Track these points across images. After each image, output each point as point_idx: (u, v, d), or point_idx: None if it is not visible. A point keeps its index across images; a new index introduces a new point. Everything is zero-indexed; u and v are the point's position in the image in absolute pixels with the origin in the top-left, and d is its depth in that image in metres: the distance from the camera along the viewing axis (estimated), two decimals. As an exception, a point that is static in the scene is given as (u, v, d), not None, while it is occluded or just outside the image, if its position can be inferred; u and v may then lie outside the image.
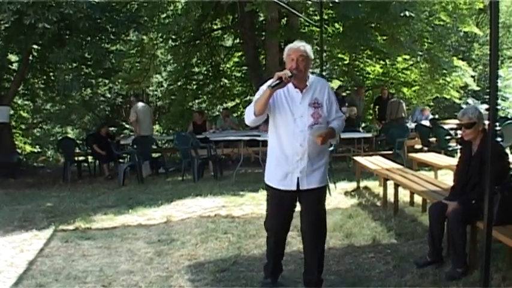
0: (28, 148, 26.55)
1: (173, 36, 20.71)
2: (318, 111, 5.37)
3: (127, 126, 26.63)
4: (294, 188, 5.41)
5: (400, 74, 22.99)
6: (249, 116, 5.38)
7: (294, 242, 7.06)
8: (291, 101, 5.36)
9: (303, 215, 5.59)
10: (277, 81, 5.09)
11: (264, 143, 10.92)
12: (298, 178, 5.38)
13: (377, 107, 19.77)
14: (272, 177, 5.54)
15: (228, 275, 6.23)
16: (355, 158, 12.21)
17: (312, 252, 5.59)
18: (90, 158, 17.28)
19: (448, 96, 22.24)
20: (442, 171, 11.40)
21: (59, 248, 7.76)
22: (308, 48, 5.35)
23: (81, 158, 17.08)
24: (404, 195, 9.63)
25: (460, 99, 23.06)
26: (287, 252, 6.18)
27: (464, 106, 7.71)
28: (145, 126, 15.90)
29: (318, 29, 17.32)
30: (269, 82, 5.20)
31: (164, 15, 19.65)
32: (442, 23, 18.51)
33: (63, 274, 6.53)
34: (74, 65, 15.21)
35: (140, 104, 16.34)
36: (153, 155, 16.19)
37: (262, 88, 5.34)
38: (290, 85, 5.31)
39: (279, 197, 5.51)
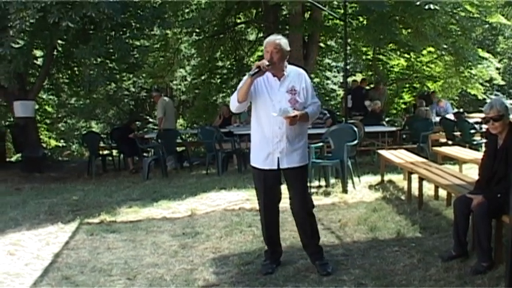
0: (53, 142, 26.80)
1: (197, 31, 20.72)
2: (295, 97, 5.90)
3: (151, 120, 26.74)
4: (275, 167, 5.94)
5: (424, 67, 22.83)
6: (234, 103, 5.95)
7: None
8: (269, 88, 5.91)
9: (289, 192, 6.11)
10: (256, 70, 5.68)
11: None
12: (278, 158, 5.92)
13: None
14: (256, 158, 6.07)
15: (252, 268, 6.24)
16: (380, 151, 12.15)
17: (302, 225, 6.16)
18: (114, 152, 17.38)
19: (473, 92, 22.02)
20: (467, 165, 11.30)
21: (84, 241, 7.85)
22: (283, 41, 5.90)
23: (105, 152, 17.18)
24: (428, 189, 9.57)
25: (484, 93, 22.83)
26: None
27: (487, 101, 7.71)
28: (171, 120, 16.04)
29: (341, 23, 17.29)
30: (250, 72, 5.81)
31: (188, 9, 19.67)
32: (467, 14, 18.32)
33: (89, 267, 6.61)
34: (99, 60, 15.27)
35: (167, 99, 16.49)
36: (178, 149, 16.22)
37: (245, 78, 5.86)
38: (269, 74, 5.89)
39: (263, 176, 6.02)
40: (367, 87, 20.71)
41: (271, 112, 5.78)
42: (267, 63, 5.71)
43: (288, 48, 5.97)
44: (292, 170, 5.95)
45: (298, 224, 6.18)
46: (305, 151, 6.10)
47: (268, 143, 5.89)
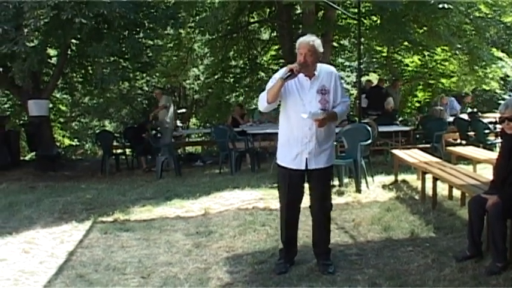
0: (67, 141, 26.90)
1: (210, 30, 20.72)
2: (325, 97, 5.89)
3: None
4: (303, 167, 5.95)
5: (438, 65, 22.73)
6: (263, 103, 5.98)
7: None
8: (300, 88, 5.89)
9: (311, 192, 6.14)
10: (289, 73, 5.67)
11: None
12: (306, 159, 5.92)
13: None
14: (284, 157, 6.08)
15: (266, 267, 6.24)
16: (393, 151, 12.12)
17: (318, 225, 6.20)
18: (127, 151, 17.43)
19: (487, 88, 21.92)
20: (481, 165, 11.24)
21: (98, 240, 7.88)
22: (317, 42, 5.83)
23: (119, 151, 17.23)
24: (442, 188, 9.52)
25: (501, 89, 22.72)
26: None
27: (501, 102, 7.62)
28: (172, 115, 16.36)
29: (355, 22, 17.24)
30: (281, 72, 5.85)
31: (201, 9, 19.66)
32: (481, 14, 18.24)
33: (103, 265, 6.63)
34: (112, 58, 15.32)
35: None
36: (189, 148, 16.28)
37: (275, 77, 5.89)
38: (300, 74, 5.80)
39: (289, 176, 6.02)
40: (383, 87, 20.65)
41: (301, 113, 5.76)
42: (299, 66, 5.70)
43: (321, 50, 5.91)
44: (318, 171, 5.96)
45: (315, 223, 6.21)
46: (332, 152, 6.14)
47: (298, 143, 5.90)
